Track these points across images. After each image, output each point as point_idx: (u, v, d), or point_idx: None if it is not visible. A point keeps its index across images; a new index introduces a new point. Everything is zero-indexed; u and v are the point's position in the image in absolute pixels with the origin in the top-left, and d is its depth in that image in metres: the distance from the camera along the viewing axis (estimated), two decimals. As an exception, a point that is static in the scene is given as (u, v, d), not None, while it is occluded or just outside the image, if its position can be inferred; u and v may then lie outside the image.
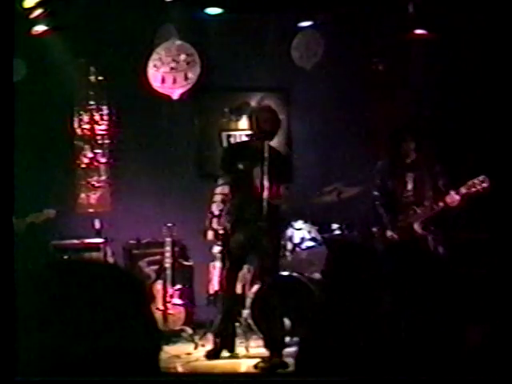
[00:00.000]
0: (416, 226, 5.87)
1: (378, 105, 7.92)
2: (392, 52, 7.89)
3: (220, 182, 6.11)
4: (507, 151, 6.95)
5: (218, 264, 6.90)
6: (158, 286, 6.92)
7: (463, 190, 5.69)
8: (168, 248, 6.93)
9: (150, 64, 7.55)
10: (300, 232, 7.01)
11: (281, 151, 6.51)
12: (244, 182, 5.91)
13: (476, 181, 5.67)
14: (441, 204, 5.75)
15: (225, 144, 8.17)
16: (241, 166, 5.99)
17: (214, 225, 6.02)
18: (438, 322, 2.04)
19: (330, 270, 4.50)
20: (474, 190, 5.65)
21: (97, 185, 8.03)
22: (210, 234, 6.10)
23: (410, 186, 6.00)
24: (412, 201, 5.98)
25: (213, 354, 6.10)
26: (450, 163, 6.40)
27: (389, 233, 5.98)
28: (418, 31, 7.57)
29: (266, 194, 5.70)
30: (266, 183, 5.71)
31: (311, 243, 6.97)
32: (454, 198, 5.69)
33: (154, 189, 7.71)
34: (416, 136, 6.06)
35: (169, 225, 6.93)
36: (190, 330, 6.81)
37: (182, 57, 7.59)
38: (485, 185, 5.64)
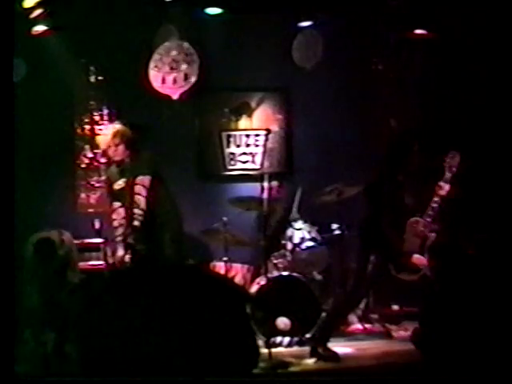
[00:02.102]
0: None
1: (378, 104, 7.92)
2: (392, 52, 7.89)
3: None
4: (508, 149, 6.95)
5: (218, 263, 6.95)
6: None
7: (448, 175, 5.63)
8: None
9: (151, 64, 7.56)
10: (300, 232, 7.01)
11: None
12: None
13: (448, 159, 5.62)
14: (436, 200, 5.67)
15: (225, 144, 8.19)
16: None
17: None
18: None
19: None
20: (454, 169, 5.59)
21: (97, 185, 8.03)
22: None
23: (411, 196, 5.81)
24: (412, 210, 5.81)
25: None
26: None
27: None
28: (418, 31, 7.57)
29: None
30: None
31: (311, 243, 6.97)
32: (444, 187, 5.63)
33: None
34: (420, 141, 5.89)
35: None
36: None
37: (182, 57, 7.60)
38: (457, 159, 5.60)
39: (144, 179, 6.13)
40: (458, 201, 5.81)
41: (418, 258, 5.62)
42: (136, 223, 6.05)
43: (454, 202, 5.72)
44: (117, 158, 6.27)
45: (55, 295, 6.19)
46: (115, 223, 6.24)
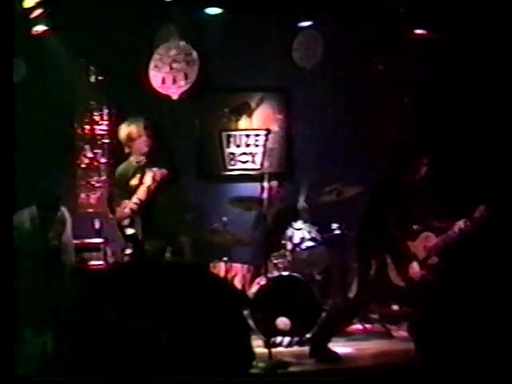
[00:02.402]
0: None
1: (378, 105, 7.92)
2: (392, 52, 7.89)
3: None
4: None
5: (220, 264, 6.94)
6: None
7: (477, 216, 5.64)
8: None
9: (151, 64, 7.56)
10: (300, 232, 7.02)
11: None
12: None
13: (481, 207, 5.62)
14: (455, 231, 5.67)
15: (225, 144, 8.19)
16: None
17: None
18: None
19: None
20: (483, 218, 5.61)
21: (97, 185, 8.03)
22: None
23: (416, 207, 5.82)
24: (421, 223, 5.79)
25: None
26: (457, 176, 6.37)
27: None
28: (418, 31, 7.57)
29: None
30: None
31: (311, 243, 6.97)
32: (467, 225, 5.63)
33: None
34: (428, 149, 5.86)
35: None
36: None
37: (182, 57, 7.60)
38: (487, 212, 5.61)
39: (156, 172, 6.00)
40: (474, 243, 5.82)
41: (414, 268, 5.63)
42: (126, 210, 5.95)
43: (469, 242, 5.74)
44: (144, 150, 6.18)
45: (52, 283, 6.19)
46: (125, 222, 6.14)
